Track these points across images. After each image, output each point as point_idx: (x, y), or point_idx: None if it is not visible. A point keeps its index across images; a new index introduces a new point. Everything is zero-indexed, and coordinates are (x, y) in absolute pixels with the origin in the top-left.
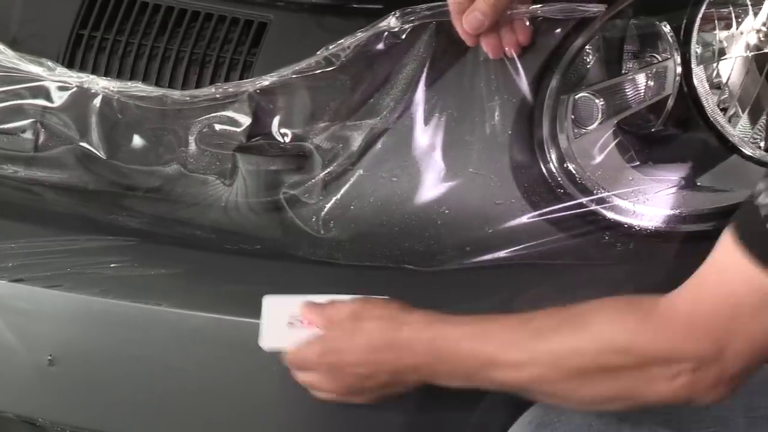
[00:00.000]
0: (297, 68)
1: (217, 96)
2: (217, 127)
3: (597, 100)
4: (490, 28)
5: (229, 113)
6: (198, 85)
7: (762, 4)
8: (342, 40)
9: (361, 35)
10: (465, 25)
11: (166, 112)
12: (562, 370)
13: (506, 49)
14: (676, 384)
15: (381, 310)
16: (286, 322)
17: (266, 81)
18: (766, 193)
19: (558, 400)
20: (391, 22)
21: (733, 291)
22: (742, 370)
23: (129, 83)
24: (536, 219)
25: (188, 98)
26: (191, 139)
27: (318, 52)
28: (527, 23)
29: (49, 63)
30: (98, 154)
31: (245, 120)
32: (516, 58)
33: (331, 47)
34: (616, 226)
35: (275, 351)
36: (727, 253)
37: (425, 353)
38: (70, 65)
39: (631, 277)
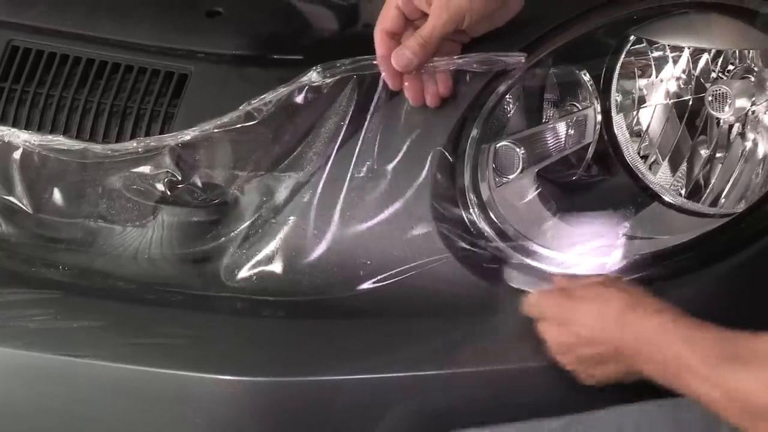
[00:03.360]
0: (219, 122)
1: (139, 150)
2: (139, 179)
3: (518, 149)
4: (415, 75)
5: (151, 166)
6: (119, 137)
7: (681, 52)
8: (264, 95)
9: (282, 90)
10: (394, 61)
11: (87, 164)
12: (737, 405)
13: (427, 97)
14: None
15: (623, 289)
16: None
17: (188, 135)
18: None
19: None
20: (313, 76)
21: None
22: None
23: (50, 136)
24: (460, 269)
25: (109, 152)
26: (113, 191)
27: (240, 107)
28: (449, 75)
29: None
30: (22, 207)
31: (167, 172)
32: (436, 109)
33: (253, 102)
34: (538, 274)
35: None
36: None
37: (641, 339)
38: None
39: None
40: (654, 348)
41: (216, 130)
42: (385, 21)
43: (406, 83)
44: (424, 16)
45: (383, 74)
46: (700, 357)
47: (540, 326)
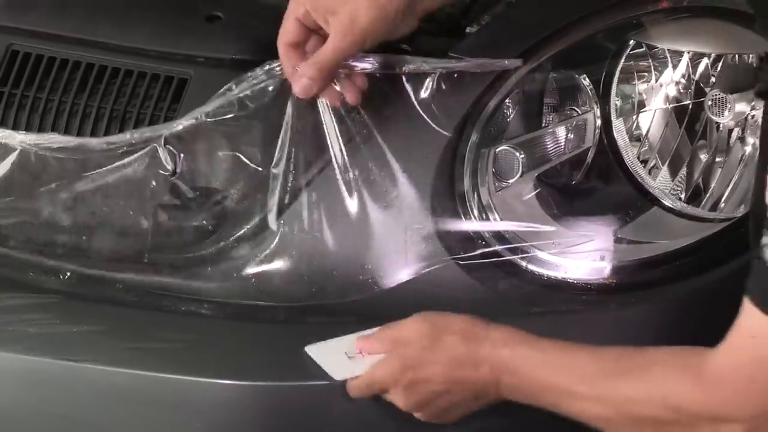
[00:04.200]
0: (209, 110)
1: (133, 141)
2: (136, 180)
3: (517, 154)
4: (326, 86)
5: (148, 165)
6: None
7: (681, 56)
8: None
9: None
10: (295, 90)
11: (85, 164)
12: (622, 416)
13: (347, 96)
14: None
15: (461, 324)
16: (345, 358)
17: (180, 125)
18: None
19: None
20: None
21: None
22: None
23: (46, 135)
24: (460, 273)
25: (105, 145)
26: (110, 192)
27: (226, 88)
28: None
29: None
30: (20, 210)
31: (164, 172)
32: (438, 113)
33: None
34: (537, 278)
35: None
36: (753, 318)
37: (504, 371)
38: None
39: (552, 328)
40: (516, 376)
41: (209, 119)
42: (286, 34)
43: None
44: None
45: (293, 89)
46: (574, 380)
47: (389, 396)
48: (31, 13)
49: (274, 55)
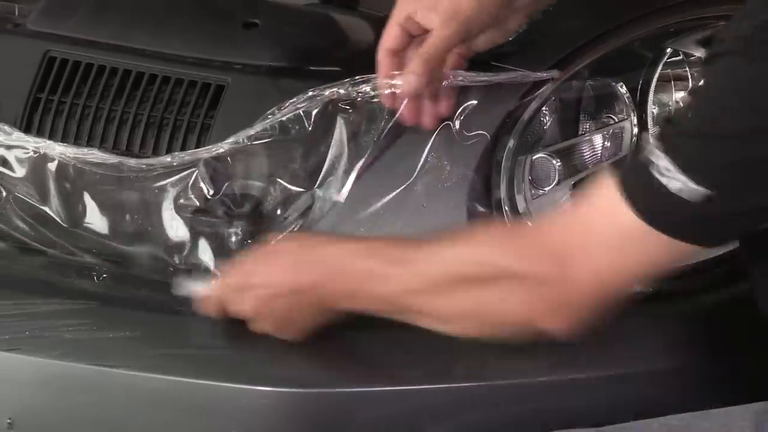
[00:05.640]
0: (252, 134)
1: (174, 164)
2: (174, 193)
3: (554, 161)
4: (431, 81)
5: (185, 179)
6: (156, 148)
7: None
8: (290, 102)
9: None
10: (402, 89)
11: (122, 178)
12: (424, 280)
13: (424, 119)
14: (517, 299)
15: (289, 238)
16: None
17: (221, 149)
18: (654, 138)
19: (424, 318)
20: (342, 89)
21: (596, 223)
22: (583, 300)
23: (85, 149)
24: None
25: (144, 166)
26: (148, 204)
27: (269, 113)
28: (452, 95)
29: (6, 127)
30: (58, 220)
31: (202, 185)
32: (475, 121)
33: (283, 108)
34: None
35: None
36: (604, 187)
37: (320, 271)
38: (27, 129)
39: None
40: (336, 274)
41: (250, 143)
42: (388, 40)
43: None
44: (426, 32)
45: (401, 87)
46: (377, 261)
47: (229, 310)
48: (69, 19)
49: (311, 62)
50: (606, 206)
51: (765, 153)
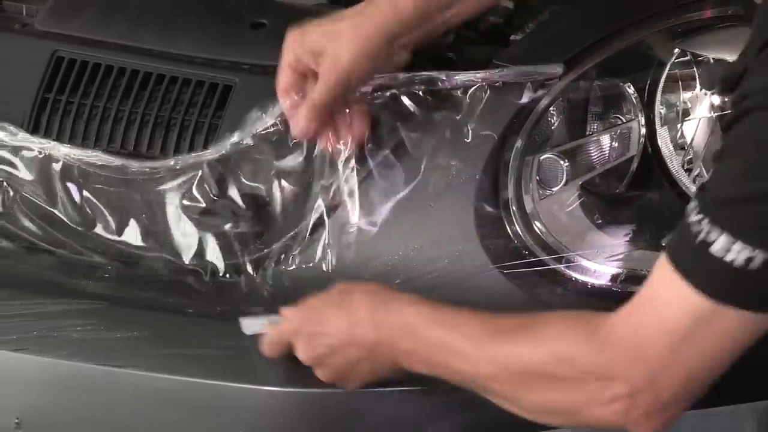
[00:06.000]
0: (253, 132)
1: (177, 167)
2: (180, 194)
3: (562, 162)
4: (324, 124)
5: (191, 181)
6: (163, 148)
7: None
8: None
9: None
10: (295, 133)
11: (128, 180)
12: (510, 372)
13: (343, 143)
14: (611, 406)
15: (370, 286)
16: (266, 325)
17: (224, 150)
18: (696, 211)
19: (506, 403)
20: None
21: (668, 316)
22: (677, 399)
23: (90, 152)
24: (502, 280)
25: (147, 169)
26: (153, 205)
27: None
28: (364, 118)
29: (12, 128)
30: (65, 220)
31: (207, 187)
32: (482, 122)
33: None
34: (581, 286)
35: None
36: (662, 275)
37: (401, 334)
38: (35, 129)
39: None
40: (412, 338)
41: (252, 143)
42: (280, 81)
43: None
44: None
45: (292, 131)
46: (460, 338)
47: (294, 347)
48: (76, 19)
49: None
50: (672, 294)
51: None
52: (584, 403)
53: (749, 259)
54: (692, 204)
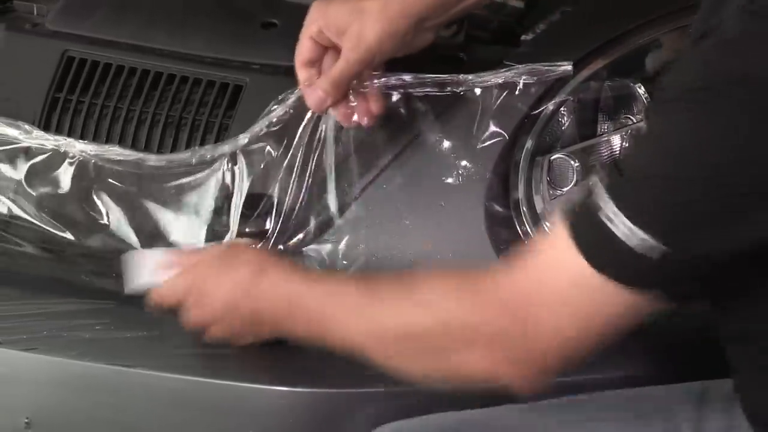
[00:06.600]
0: (268, 123)
1: (193, 161)
2: (193, 190)
3: (572, 162)
4: (340, 100)
5: (205, 178)
6: (174, 148)
7: None
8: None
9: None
10: (308, 103)
11: (142, 176)
12: (378, 331)
13: (358, 116)
14: (479, 356)
15: (251, 255)
16: (151, 268)
17: (241, 142)
18: (598, 179)
19: (390, 370)
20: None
21: (549, 276)
22: (547, 357)
23: (106, 146)
24: None
25: (164, 163)
26: (166, 202)
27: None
28: (380, 94)
29: (26, 126)
30: (77, 218)
31: (221, 184)
32: (493, 122)
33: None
34: None
35: (140, 291)
36: (557, 239)
37: (278, 306)
38: (45, 129)
39: None
40: (293, 306)
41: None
42: (301, 53)
43: (332, 108)
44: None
45: (307, 101)
46: (339, 304)
47: (181, 314)
48: (87, 19)
49: None
50: (559, 257)
51: (697, 197)
52: (457, 356)
53: (629, 235)
54: (600, 174)
